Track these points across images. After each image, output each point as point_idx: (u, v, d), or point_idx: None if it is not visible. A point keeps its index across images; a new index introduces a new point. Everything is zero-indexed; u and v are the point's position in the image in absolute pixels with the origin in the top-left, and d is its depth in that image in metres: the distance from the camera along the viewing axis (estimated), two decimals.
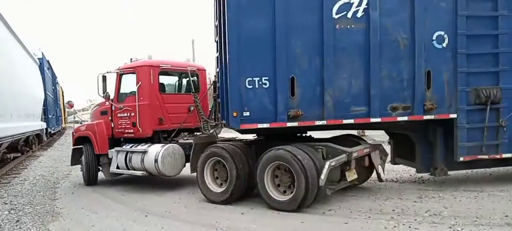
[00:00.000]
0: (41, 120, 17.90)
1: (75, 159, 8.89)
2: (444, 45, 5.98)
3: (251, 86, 5.76)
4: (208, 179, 6.60)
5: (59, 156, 17.56)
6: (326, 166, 5.50)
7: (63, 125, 37.63)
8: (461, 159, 6.08)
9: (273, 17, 5.57)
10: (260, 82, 5.79)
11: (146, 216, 6.12)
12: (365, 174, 6.85)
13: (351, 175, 6.07)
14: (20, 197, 8.20)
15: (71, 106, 22.22)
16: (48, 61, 23.20)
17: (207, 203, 6.73)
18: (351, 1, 5.73)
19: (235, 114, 5.82)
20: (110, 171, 8.30)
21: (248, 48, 5.67)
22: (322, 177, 5.47)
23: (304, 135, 6.87)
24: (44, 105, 18.77)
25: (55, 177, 11.08)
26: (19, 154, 14.26)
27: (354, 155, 5.86)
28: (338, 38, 5.65)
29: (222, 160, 6.25)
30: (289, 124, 5.70)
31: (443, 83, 5.96)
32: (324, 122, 5.74)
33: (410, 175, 8.39)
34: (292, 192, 5.51)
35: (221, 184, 6.36)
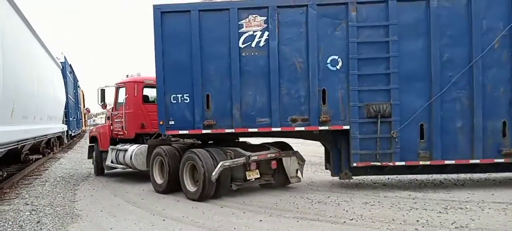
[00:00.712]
0: (63, 123, 18.14)
1: (90, 153, 11.09)
2: (338, 67, 7.24)
3: (175, 101, 7.50)
4: (155, 173, 8.31)
5: (79, 158, 17.76)
6: (219, 166, 6.94)
7: (83, 128, 38.21)
8: (355, 164, 7.14)
9: (190, 47, 7.31)
10: (182, 98, 7.51)
11: (164, 220, 6.09)
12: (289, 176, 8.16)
13: (251, 175, 7.48)
14: (41, 198, 8.31)
15: (88, 111, 22.95)
16: (70, 65, 23.58)
17: (224, 209, 6.66)
18: (255, 34, 7.22)
19: (161, 122, 7.50)
20: (106, 164, 10.34)
21: (172, 72, 7.36)
22: (213, 173, 6.94)
23: (241, 140, 8.44)
24: (65, 108, 19.09)
25: (75, 179, 11.20)
26: (41, 156, 14.48)
27: (253, 158, 7.25)
28: (244, 63, 7.16)
29: (161, 158, 7.88)
30: (204, 131, 7.30)
31: (338, 100, 7.17)
32: (232, 130, 7.21)
33: (434, 185, 8.16)
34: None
35: (163, 177, 7.99)
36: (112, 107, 10.44)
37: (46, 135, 13.20)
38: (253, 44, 7.44)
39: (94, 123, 42.08)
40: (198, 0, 7.69)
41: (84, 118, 36.02)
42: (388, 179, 9.26)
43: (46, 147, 15.84)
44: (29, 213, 6.88)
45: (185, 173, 7.52)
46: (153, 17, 7.46)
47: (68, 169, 13.32)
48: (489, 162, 7.00)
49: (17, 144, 8.72)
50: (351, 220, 5.74)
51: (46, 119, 12.80)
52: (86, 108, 24.95)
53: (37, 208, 7.26)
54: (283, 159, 7.83)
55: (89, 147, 11.24)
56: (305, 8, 7.06)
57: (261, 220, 5.92)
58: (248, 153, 7.33)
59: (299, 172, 7.94)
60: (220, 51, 7.24)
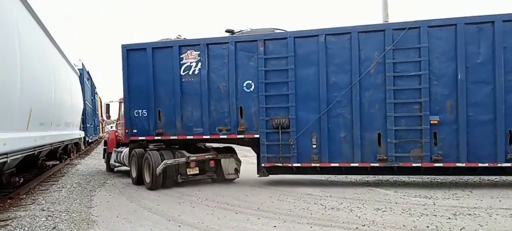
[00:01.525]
0: (80, 129, 18.27)
1: (104, 154, 14.13)
2: (251, 89, 9.77)
3: (137, 115, 10.45)
4: (132, 169, 10.94)
5: (95, 164, 18.01)
6: (162, 164, 9.71)
7: (101, 134, 38.44)
8: (263, 165, 9.63)
9: (146, 75, 10.21)
10: (142, 113, 10.43)
11: (179, 226, 6.08)
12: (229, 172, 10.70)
13: (191, 171, 10.18)
14: (57, 204, 8.51)
15: (104, 120, 24.01)
16: (88, 72, 24.00)
17: (239, 215, 6.63)
18: (191, 64, 10.09)
19: (127, 131, 10.47)
20: (110, 163, 13.19)
21: (134, 93, 10.35)
22: (158, 169, 9.65)
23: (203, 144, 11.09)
24: (82, 114, 19.40)
25: (92, 185, 11.33)
26: (58, 162, 14.58)
27: (192, 158, 10.03)
28: (184, 87, 10.09)
29: (135, 158, 10.70)
30: (156, 137, 10.27)
31: (251, 115, 9.77)
32: (175, 137, 10.17)
33: (444, 192, 8.00)
34: None
35: (136, 172, 10.76)
36: (117, 118, 13.15)
37: (63, 141, 13.46)
38: (190, 73, 10.17)
39: (111, 129, 42.03)
40: (156, 39, 11.05)
41: (102, 124, 36.42)
42: (398, 183, 9.12)
43: (63, 153, 15.99)
44: (45, 219, 6.96)
45: (144, 169, 10.30)
46: (121, 53, 10.41)
47: (84, 175, 13.52)
48: (366, 165, 8.98)
49: (34, 150, 8.85)
50: (363, 226, 5.70)
51: (63, 125, 13.01)
52: (102, 117, 25.45)
53: (53, 214, 7.34)
54: (222, 159, 10.55)
55: (103, 148, 14.42)
56: (227, 44, 9.76)
57: (275, 226, 5.87)
58: (189, 155, 10.10)
59: (237, 170, 10.62)
60: (167, 78, 10.19)
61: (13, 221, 7.36)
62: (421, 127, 8.85)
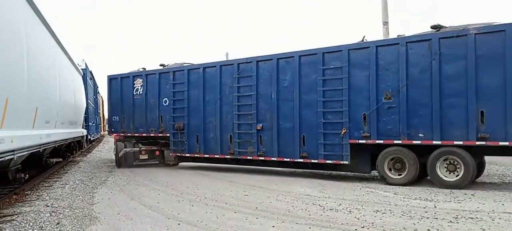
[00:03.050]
0: (82, 127, 18.41)
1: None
2: (167, 104, 16.30)
3: (114, 120, 18.66)
4: (115, 156, 20.84)
5: (97, 162, 18.14)
6: (122, 151, 17.31)
7: (102, 133, 38.49)
8: (171, 154, 16.24)
9: (119, 94, 18.54)
10: (116, 118, 18.27)
11: (179, 224, 6.21)
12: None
13: (142, 157, 17.07)
14: (61, 200, 8.72)
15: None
16: (90, 71, 24.51)
17: (237, 214, 6.71)
18: (138, 88, 17.24)
19: (108, 130, 22.72)
20: (114, 153, 20.03)
21: (113, 106, 19.07)
22: (119, 154, 17.28)
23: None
24: (85, 113, 19.96)
25: (94, 182, 11.49)
26: (61, 159, 14.72)
27: (142, 148, 17.14)
28: (135, 103, 17.67)
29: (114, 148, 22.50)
30: (121, 134, 17.96)
31: (167, 121, 16.58)
32: (130, 133, 17.76)
33: (445, 195, 8.00)
34: None
35: None
36: None
37: (67, 139, 13.79)
38: (138, 93, 17.22)
39: None
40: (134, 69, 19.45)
41: (103, 123, 36.55)
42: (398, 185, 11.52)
43: (66, 151, 16.06)
44: (49, 215, 7.12)
45: (118, 154, 17.98)
46: (107, 81, 18.82)
47: (87, 173, 13.73)
48: (224, 157, 14.69)
49: (39, 148, 9.02)
50: (362, 227, 5.78)
51: (67, 124, 13.33)
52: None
53: (57, 210, 7.47)
54: (165, 151, 16.98)
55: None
56: (155, 74, 16.79)
57: (273, 226, 5.98)
58: (141, 146, 17.27)
59: (175, 159, 16.67)
60: (127, 96, 17.86)
61: (18, 216, 7.55)
62: (251, 131, 14.23)
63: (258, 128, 13.85)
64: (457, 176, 10.80)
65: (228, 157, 14.72)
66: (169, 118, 16.07)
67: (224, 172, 14.14)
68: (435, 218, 6.78)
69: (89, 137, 23.34)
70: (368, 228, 5.95)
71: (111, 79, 18.20)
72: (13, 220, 6.90)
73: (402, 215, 6.75)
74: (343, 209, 7.22)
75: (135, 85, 16.99)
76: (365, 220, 6.32)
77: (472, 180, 11.03)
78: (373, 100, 12.14)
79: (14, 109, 7.31)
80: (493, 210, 7.22)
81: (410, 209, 7.32)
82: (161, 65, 17.09)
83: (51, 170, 13.35)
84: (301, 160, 13.28)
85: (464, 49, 10.90)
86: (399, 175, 11.66)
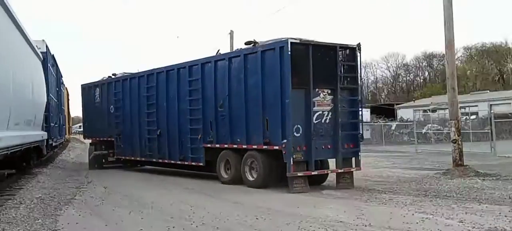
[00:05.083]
0: (42, 129, 18.25)
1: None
2: (113, 111, 24.39)
3: (87, 125, 29.63)
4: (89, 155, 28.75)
5: (61, 175, 18.16)
6: (92, 154, 25.61)
7: (67, 136, 38.56)
8: (114, 157, 25.13)
9: (88, 102, 27.49)
10: (88, 122, 29.06)
11: None
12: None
13: (111, 158, 24.81)
14: (15, 224, 8.71)
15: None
16: (53, 56, 24.34)
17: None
18: (98, 96, 26.03)
19: (83, 134, 31.61)
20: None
21: (86, 111, 28.80)
22: (90, 156, 25.65)
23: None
24: (46, 110, 19.65)
25: (57, 201, 11.43)
26: (14, 171, 14.51)
27: (110, 151, 24.78)
28: (97, 108, 26.45)
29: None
30: (93, 138, 27.20)
31: (113, 127, 24.91)
32: (98, 138, 26.33)
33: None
34: None
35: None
36: None
37: (22, 144, 13.34)
38: (96, 101, 26.20)
39: (80, 130, 43.17)
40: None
41: (68, 124, 36.55)
42: (460, 205, 11.28)
43: (21, 160, 15.89)
44: None
45: (90, 155, 26.73)
46: (80, 90, 28.60)
47: (47, 188, 13.62)
48: (141, 159, 22.86)
49: None
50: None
51: (23, 124, 12.93)
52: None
53: None
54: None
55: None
56: (106, 84, 25.24)
57: None
58: (108, 150, 25.16)
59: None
60: (91, 104, 26.96)
61: None
62: (154, 136, 20.93)
63: (157, 133, 20.62)
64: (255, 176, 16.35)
65: (144, 159, 22.34)
66: (114, 124, 24.15)
67: (226, 191, 15.05)
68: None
69: (51, 142, 23.07)
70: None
71: (84, 87, 27.77)
72: None
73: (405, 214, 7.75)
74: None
75: (96, 94, 25.94)
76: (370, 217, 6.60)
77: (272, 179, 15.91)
78: (214, 109, 17.50)
79: None
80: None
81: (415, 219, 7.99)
82: (112, 74, 25.13)
83: (2, 185, 13.24)
84: (179, 162, 19.62)
85: (255, 64, 15.93)
86: (227, 174, 17.24)
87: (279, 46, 15.17)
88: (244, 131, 16.53)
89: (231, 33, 39.68)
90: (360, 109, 16.57)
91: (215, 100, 17.59)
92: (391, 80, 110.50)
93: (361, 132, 16.42)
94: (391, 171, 20.76)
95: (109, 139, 24.89)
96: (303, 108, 15.28)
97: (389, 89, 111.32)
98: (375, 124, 52.00)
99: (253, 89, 16.21)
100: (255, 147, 16.12)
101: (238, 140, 16.71)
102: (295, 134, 14.88)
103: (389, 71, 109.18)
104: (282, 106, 15.08)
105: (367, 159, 21.74)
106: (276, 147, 15.25)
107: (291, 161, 14.62)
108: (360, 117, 16.59)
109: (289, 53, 14.71)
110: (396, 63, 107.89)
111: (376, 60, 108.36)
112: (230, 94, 17.02)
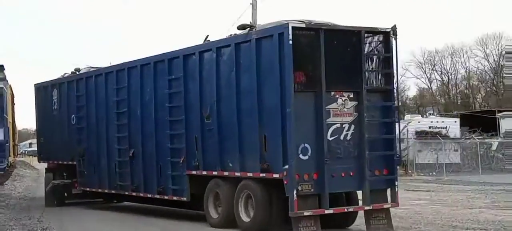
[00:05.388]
0: None
1: None
2: (74, 122, 25.34)
3: (42, 142, 30.45)
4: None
5: (2, 219, 19.88)
6: (50, 184, 25.67)
7: (12, 159, 39.29)
8: (77, 189, 26.92)
9: (43, 108, 29.29)
10: (44, 137, 30.07)
11: None
12: None
13: (76, 191, 25.10)
14: None
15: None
16: None
17: None
18: (54, 100, 26.93)
19: (38, 156, 34.14)
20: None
21: (41, 122, 30.58)
22: (47, 188, 26.07)
23: None
24: None
25: None
26: None
27: (66, 182, 25.68)
28: (56, 118, 27.42)
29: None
30: (52, 161, 28.09)
31: (75, 145, 25.81)
32: (57, 161, 27.13)
33: None
34: None
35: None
36: None
37: None
38: (55, 108, 27.17)
39: (31, 149, 45.63)
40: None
41: (14, 141, 37.93)
42: None
43: None
44: None
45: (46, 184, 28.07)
46: (34, 91, 30.17)
47: None
48: (110, 192, 24.14)
49: None
50: None
51: None
52: None
53: None
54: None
55: None
56: (66, 83, 26.06)
57: None
58: (72, 178, 25.02)
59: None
60: (48, 112, 28.03)
61: None
62: (126, 158, 21.03)
63: (130, 154, 20.34)
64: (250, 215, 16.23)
65: (113, 191, 21.76)
66: (76, 141, 24.13)
67: None
68: None
69: None
70: None
71: (38, 88, 27.40)
72: None
73: None
74: None
75: (53, 98, 25.08)
76: None
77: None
78: (200, 121, 17.57)
79: None
80: None
81: None
82: (75, 70, 23.57)
83: None
84: (158, 196, 19.47)
85: (249, 58, 15.95)
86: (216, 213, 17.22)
87: (278, 33, 15.06)
88: (237, 152, 16.46)
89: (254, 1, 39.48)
90: (396, 119, 16.52)
91: (200, 108, 17.53)
92: (491, 75, 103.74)
93: (398, 153, 16.45)
94: (490, 213, 20.18)
95: (72, 162, 24.54)
96: (312, 120, 15.14)
97: (488, 89, 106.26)
98: (467, 141, 50.50)
99: (247, 94, 16.15)
100: (250, 175, 16.01)
101: (230, 164, 16.61)
102: (301, 156, 14.74)
103: (488, 61, 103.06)
104: (282, 118, 14.92)
105: (456, 195, 21.23)
106: (276, 175, 15.11)
107: (295, 195, 14.36)
108: (397, 131, 16.45)
109: (291, 42, 14.51)
110: (498, 50, 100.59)
111: (467, 45, 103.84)
112: (220, 99, 16.93)
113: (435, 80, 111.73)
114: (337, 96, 15.24)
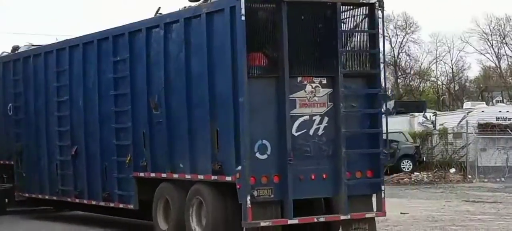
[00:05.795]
0: None
1: None
2: (12, 112, 21.81)
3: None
4: None
5: None
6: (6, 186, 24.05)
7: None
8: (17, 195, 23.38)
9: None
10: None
11: None
12: None
13: (20, 197, 21.60)
14: None
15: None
16: None
17: None
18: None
19: None
20: None
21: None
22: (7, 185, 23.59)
23: None
24: None
25: None
26: None
27: (6, 186, 22.78)
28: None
29: None
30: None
31: (12, 140, 22.10)
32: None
33: None
34: None
35: None
36: None
37: None
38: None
39: None
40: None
41: None
42: None
43: None
44: None
45: None
46: None
47: None
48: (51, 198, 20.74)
49: None
50: None
51: None
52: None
53: None
54: None
55: None
56: (1, 64, 22.63)
57: None
58: (13, 182, 21.47)
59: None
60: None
61: None
62: (68, 157, 18.73)
63: (72, 152, 18.19)
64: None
65: (55, 197, 18.95)
66: (14, 137, 21.17)
67: None
68: None
69: None
70: None
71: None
72: None
73: None
74: None
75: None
76: None
77: None
78: (148, 112, 15.69)
79: None
80: None
81: None
82: (13, 48, 21.03)
83: None
84: (103, 203, 17.30)
85: (200, 36, 13.95)
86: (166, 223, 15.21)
87: (230, 6, 13.10)
88: (187, 149, 14.61)
89: None
90: (382, 110, 14.45)
91: (148, 96, 15.71)
92: None
93: (386, 150, 14.47)
94: None
95: (10, 162, 21.82)
96: (273, 112, 13.25)
97: None
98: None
99: (198, 80, 14.29)
100: (201, 177, 14.13)
101: (181, 165, 14.80)
102: (257, 155, 12.93)
103: None
104: (234, 109, 13.14)
105: (492, 207, 19.41)
106: (228, 178, 13.25)
107: (248, 202, 12.50)
108: (383, 123, 14.21)
109: (243, 17, 12.55)
110: None
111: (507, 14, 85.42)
112: (168, 86, 15.12)
113: (504, 56, 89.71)
114: (305, 82, 13.26)
